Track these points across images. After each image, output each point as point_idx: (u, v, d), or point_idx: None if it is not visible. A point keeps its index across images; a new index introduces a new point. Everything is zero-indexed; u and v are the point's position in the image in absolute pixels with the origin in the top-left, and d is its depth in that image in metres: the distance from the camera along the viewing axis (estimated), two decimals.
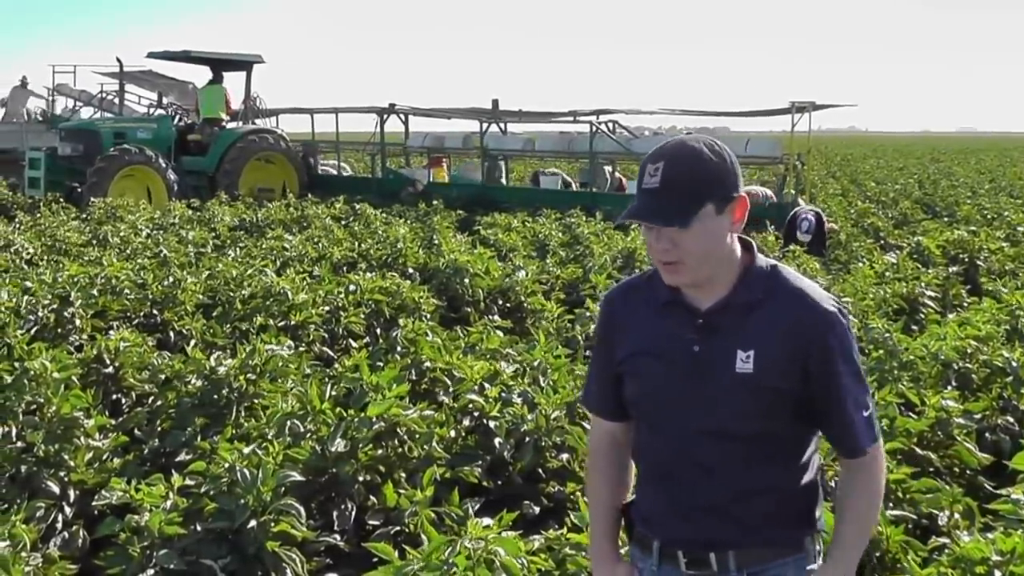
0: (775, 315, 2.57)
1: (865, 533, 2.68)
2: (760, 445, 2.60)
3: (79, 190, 20.50)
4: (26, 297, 8.91)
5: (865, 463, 2.63)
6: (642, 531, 2.81)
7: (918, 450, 5.80)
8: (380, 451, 5.54)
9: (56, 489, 5.34)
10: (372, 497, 5.30)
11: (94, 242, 14.19)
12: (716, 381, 2.59)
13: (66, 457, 5.48)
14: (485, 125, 23.53)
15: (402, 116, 24.24)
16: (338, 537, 5.04)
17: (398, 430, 5.58)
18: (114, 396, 7.02)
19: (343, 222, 17.51)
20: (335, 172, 26.01)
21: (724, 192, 2.53)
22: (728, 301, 2.61)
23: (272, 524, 4.64)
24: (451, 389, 6.50)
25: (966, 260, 13.82)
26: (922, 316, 10.01)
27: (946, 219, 20.43)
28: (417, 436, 5.59)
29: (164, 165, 20.89)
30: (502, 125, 24.34)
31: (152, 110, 25.69)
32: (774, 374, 2.55)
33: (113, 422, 6.16)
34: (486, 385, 6.33)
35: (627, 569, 2.85)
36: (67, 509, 5.33)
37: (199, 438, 5.89)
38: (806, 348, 2.54)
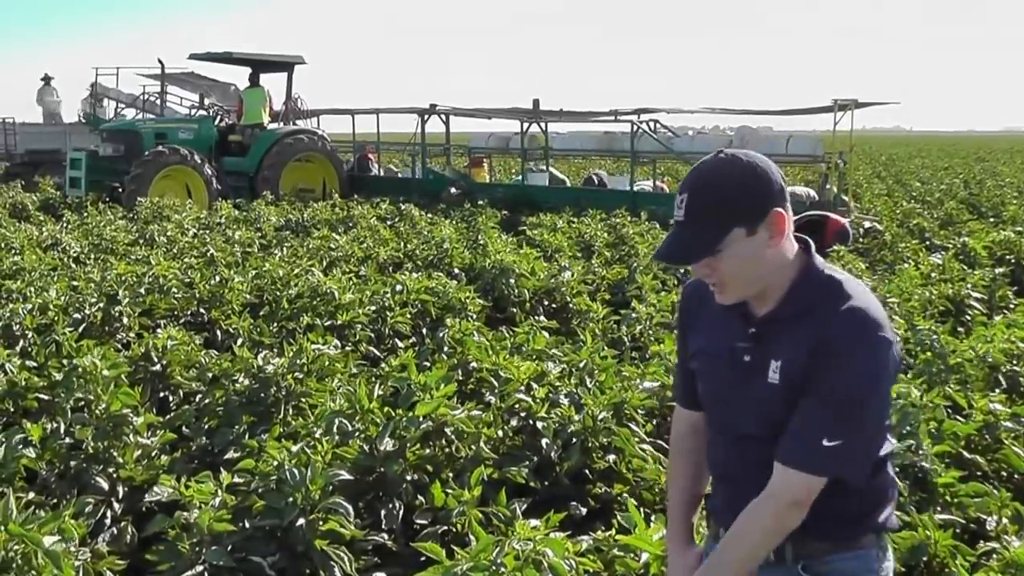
0: (811, 329, 2.50)
1: (742, 560, 2.57)
2: None
3: (120, 190, 20.64)
4: (74, 295, 8.99)
5: (778, 480, 2.52)
6: (712, 522, 2.87)
7: (966, 454, 5.75)
8: (428, 451, 5.55)
9: (105, 485, 5.38)
10: (420, 496, 5.30)
11: (141, 241, 14.32)
12: (757, 390, 2.59)
13: (115, 454, 5.52)
14: (526, 125, 23.47)
15: (443, 116, 24.20)
16: (386, 536, 5.04)
17: (446, 430, 5.59)
18: (162, 394, 7.07)
19: (388, 222, 17.55)
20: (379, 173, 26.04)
21: (754, 212, 2.47)
22: (775, 313, 2.59)
23: (321, 522, 4.65)
24: (498, 389, 6.48)
25: (1013, 261, 13.67)
26: (968, 318, 9.92)
27: (992, 219, 20.20)
28: (465, 436, 5.60)
29: (202, 165, 20.97)
30: (543, 125, 24.25)
31: (194, 111, 25.84)
32: (796, 387, 2.51)
33: (161, 419, 6.18)
34: (533, 385, 6.34)
35: (694, 555, 2.88)
36: (116, 505, 5.36)
37: (247, 436, 5.92)
38: (818, 360, 2.47)
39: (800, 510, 2.51)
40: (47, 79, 29.99)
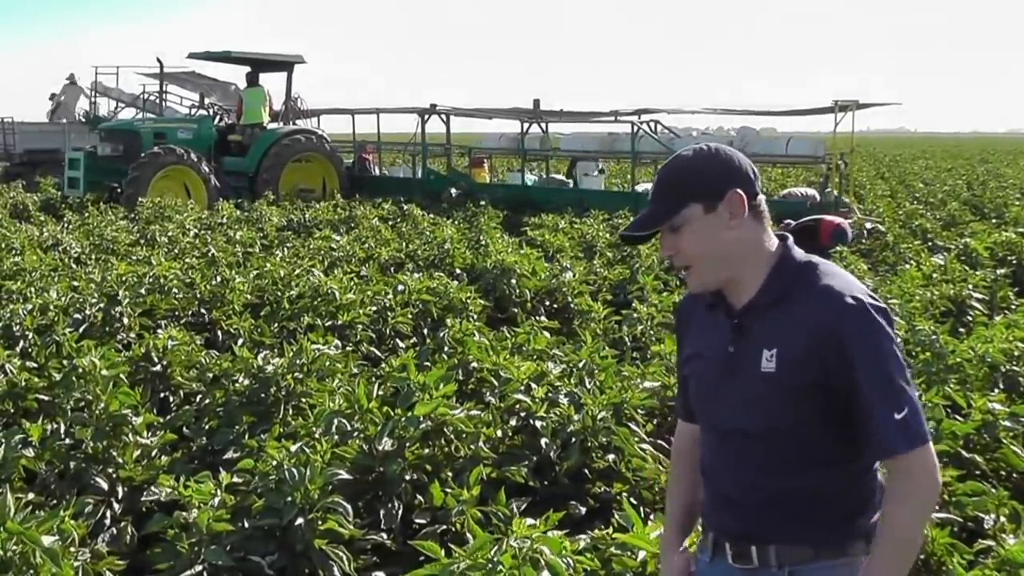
0: (798, 311, 2.54)
1: (905, 547, 2.52)
2: (793, 445, 2.58)
3: (119, 190, 20.65)
4: (74, 296, 8.99)
5: (903, 468, 2.49)
6: (703, 524, 2.87)
7: (964, 453, 5.75)
8: (427, 450, 5.55)
9: (104, 485, 5.38)
10: (419, 496, 5.30)
11: (142, 241, 14.31)
12: (746, 381, 2.61)
13: (114, 454, 5.52)
14: (526, 125, 23.45)
15: (443, 116, 24.15)
16: (385, 535, 5.05)
17: (445, 429, 5.59)
18: (162, 394, 7.07)
19: (390, 223, 17.54)
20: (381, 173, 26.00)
21: (710, 190, 2.57)
22: (755, 301, 2.62)
23: (319, 522, 4.66)
24: (498, 389, 6.48)
25: (1014, 262, 13.65)
26: (969, 318, 9.90)
27: (994, 221, 20.15)
28: (464, 435, 5.60)
29: (200, 164, 20.92)
30: (543, 125, 24.22)
31: (194, 111, 25.80)
32: (796, 372, 2.52)
33: (161, 420, 6.19)
34: (533, 385, 6.34)
35: (683, 559, 2.90)
36: (115, 505, 5.37)
37: (247, 436, 5.92)
38: (824, 342, 2.48)
39: (938, 482, 2.53)
40: (72, 79, 30.07)
